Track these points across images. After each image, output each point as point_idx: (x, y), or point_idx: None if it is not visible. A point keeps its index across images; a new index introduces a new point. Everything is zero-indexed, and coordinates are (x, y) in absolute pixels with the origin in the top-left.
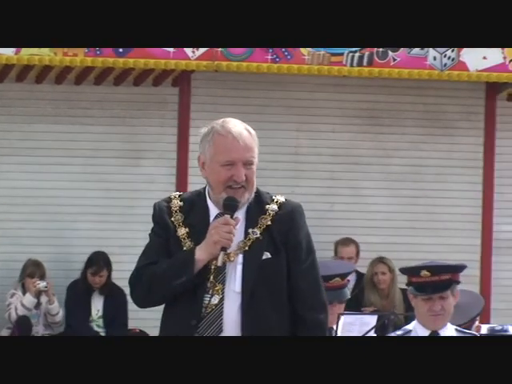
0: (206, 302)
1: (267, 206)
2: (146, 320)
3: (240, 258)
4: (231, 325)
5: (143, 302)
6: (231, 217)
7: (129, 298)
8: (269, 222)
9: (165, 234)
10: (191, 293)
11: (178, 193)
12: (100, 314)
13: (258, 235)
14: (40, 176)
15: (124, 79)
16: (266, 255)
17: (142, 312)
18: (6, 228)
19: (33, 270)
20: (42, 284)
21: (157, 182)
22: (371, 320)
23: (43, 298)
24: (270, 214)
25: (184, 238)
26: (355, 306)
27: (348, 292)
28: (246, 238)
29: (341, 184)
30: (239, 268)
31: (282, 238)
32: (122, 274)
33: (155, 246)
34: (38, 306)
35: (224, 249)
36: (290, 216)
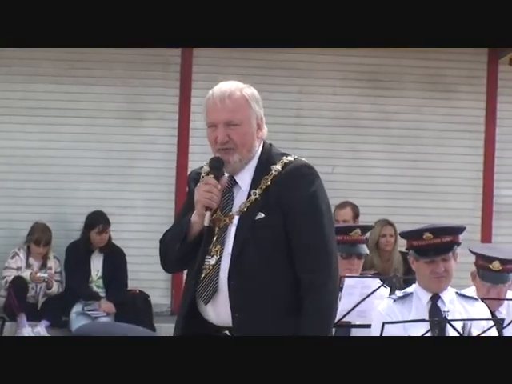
0: (207, 263)
1: (272, 165)
2: (146, 281)
3: (236, 219)
4: (225, 285)
5: (165, 267)
6: (216, 176)
7: (128, 259)
8: (268, 183)
9: (190, 200)
10: (197, 254)
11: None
12: (100, 274)
13: (257, 196)
14: (40, 136)
15: None
16: (260, 215)
17: (141, 273)
18: (6, 187)
19: (39, 236)
20: (44, 275)
21: (158, 142)
22: (373, 283)
23: (50, 262)
24: (271, 175)
25: None
26: None
27: (366, 249)
28: (247, 199)
29: (341, 147)
30: (233, 230)
31: (277, 199)
32: (121, 235)
33: (182, 210)
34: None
35: (208, 209)
36: (290, 176)
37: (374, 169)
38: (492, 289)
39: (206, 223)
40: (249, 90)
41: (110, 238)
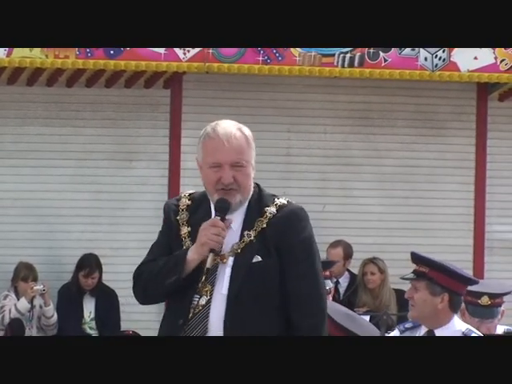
0: (195, 302)
1: (266, 208)
2: (139, 322)
3: (231, 260)
4: (217, 326)
5: (142, 299)
6: (222, 219)
7: (121, 300)
8: (264, 225)
9: (169, 232)
10: (183, 293)
11: (189, 191)
12: (92, 316)
13: (252, 238)
14: (32, 178)
15: (115, 81)
16: (257, 258)
17: (134, 314)
18: None
19: (26, 273)
20: (39, 287)
21: (149, 183)
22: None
23: (37, 301)
24: (266, 217)
25: (185, 237)
26: (348, 306)
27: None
28: (240, 240)
29: (333, 185)
30: (228, 270)
31: (275, 242)
32: (114, 276)
33: (160, 243)
34: (31, 309)
35: (213, 251)
36: (286, 219)
37: (365, 206)
38: (482, 324)
39: (209, 265)
40: (248, 131)
41: (99, 280)
